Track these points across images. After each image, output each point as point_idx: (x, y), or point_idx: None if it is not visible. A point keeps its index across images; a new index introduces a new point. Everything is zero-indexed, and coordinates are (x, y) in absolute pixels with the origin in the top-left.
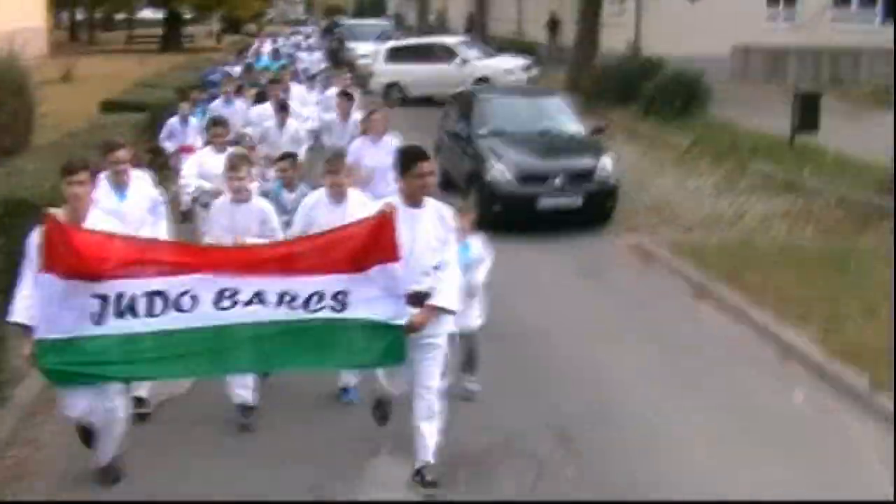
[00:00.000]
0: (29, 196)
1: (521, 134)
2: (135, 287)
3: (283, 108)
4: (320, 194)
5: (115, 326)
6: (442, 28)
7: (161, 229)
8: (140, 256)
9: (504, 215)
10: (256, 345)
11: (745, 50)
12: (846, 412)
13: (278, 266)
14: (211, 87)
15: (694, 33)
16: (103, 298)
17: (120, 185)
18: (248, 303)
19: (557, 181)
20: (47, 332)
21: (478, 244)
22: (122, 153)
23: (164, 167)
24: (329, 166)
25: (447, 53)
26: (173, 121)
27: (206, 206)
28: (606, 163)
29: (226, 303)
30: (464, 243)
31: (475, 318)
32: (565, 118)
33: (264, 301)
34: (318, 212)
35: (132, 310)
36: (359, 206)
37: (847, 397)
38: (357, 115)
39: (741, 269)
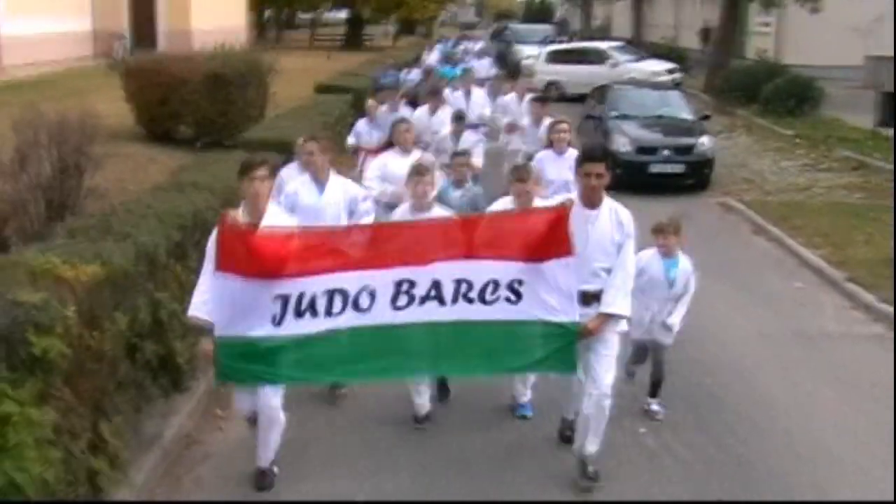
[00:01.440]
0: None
1: (641, 117)
2: (315, 285)
3: (458, 119)
4: (507, 202)
5: (294, 326)
6: (605, 34)
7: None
8: (318, 249)
9: (624, 178)
10: (432, 349)
11: (877, 59)
12: (824, 293)
13: (456, 250)
14: (383, 90)
15: (832, 44)
16: (284, 299)
17: (319, 181)
18: (425, 298)
19: (665, 152)
20: (225, 330)
21: (687, 264)
22: (313, 145)
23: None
24: (517, 174)
25: (600, 56)
26: (362, 124)
27: (389, 208)
28: (705, 140)
29: (402, 300)
30: (672, 259)
31: (668, 333)
32: (679, 107)
33: (441, 294)
34: None
35: (312, 308)
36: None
37: (829, 285)
38: (548, 120)
39: (791, 217)
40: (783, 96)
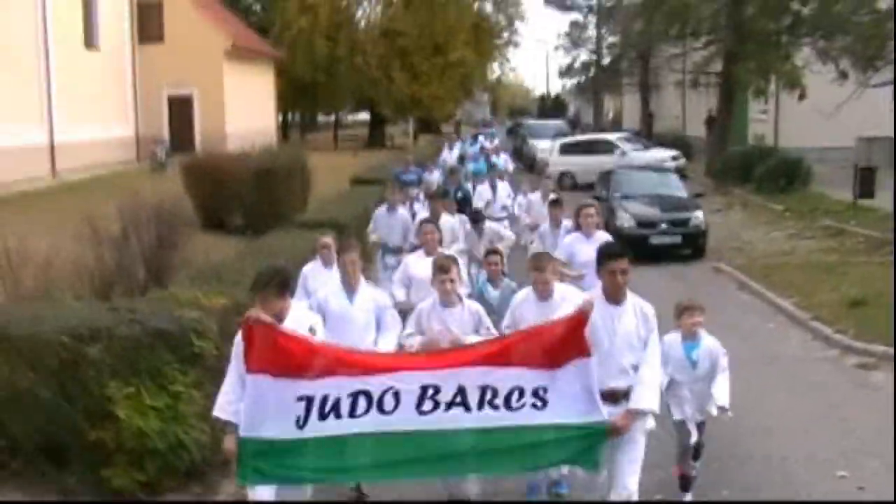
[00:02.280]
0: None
1: (641, 196)
2: (339, 387)
3: (476, 221)
4: (527, 292)
5: (318, 429)
6: (616, 125)
7: (389, 340)
8: (344, 358)
9: (628, 249)
10: (458, 452)
11: (868, 140)
12: (792, 330)
13: (481, 359)
14: (404, 186)
15: (825, 127)
16: (308, 400)
17: (350, 287)
18: (451, 404)
19: (663, 226)
20: (250, 430)
21: (712, 343)
22: (354, 254)
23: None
24: (534, 263)
25: (609, 147)
26: (380, 211)
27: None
28: (698, 214)
29: (427, 404)
30: (693, 341)
31: (700, 411)
32: (675, 187)
33: (466, 400)
34: (524, 309)
35: (336, 411)
36: (566, 302)
37: (797, 325)
38: (567, 222)
39: (771, 275)
40: (774, 176)
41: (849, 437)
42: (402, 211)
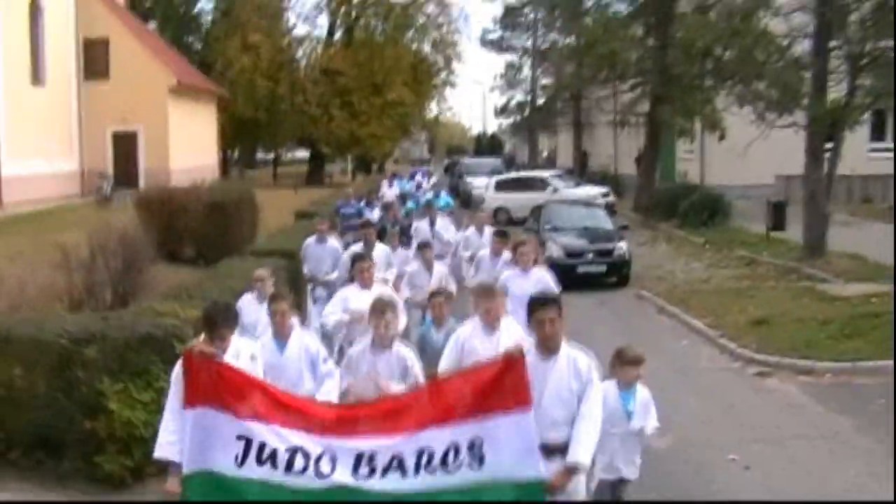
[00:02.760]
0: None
1: (570, 228)
2: (277, 438)
3: (424, 247)
4: (473, 324)
5: (256, 471)
6: (552, 163)
7: (328, 392)
8: (280, 405)
9: (557, 278)
10: None
11: (787, 178)
12: (703, 346)
13: (416, 419)
14: (344, 220)
15: (749, 166)
16: (247, 442)
17: (282, 336)
18: (387, 469)
19: (590, 255)
20: (193, 464)
21: (645, 393)
22: (284, 305)
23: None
24: (482, 292)
25: (542, 184)
26: (310, 241)
27: (349, 343)
28: (622, 245)
29: (364, 470)
30: (629, 390)
31: (633, 469)
32: (601, 219)
33: (403, 466)
34: (473, 341)
35: (273, 461)
36: (510, 336)
37: (707, 342)
38: (506, 253)
39: (687, 300)
40: (697, 211)
41: (741, 428)
42: (332, 241)
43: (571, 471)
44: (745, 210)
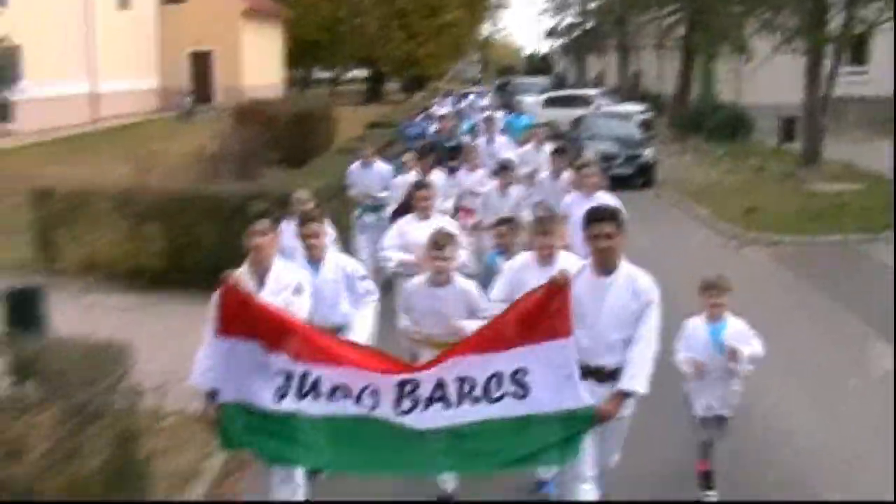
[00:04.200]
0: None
1: (604, 136)
2: (318, 370)
3: (503, 169)
4: (526, 256)
5: (297, 405)
6: (600, 84)
7: (365, 320)
8: (319, 347)
9: None
10: (439, 451)
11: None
12: (699, 228)
13: (454, 350)
14: (409, 141)
15: (781, 86)
16: (287, 375)
17: (314, 261)
18: (430, 400)
19: (620, 160)
20: (230, 395)
21: (739, 325)
22: (315, 226)
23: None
24: (539, 227)
25: (586, 101)
26: (355, 167)
27: (409, 277)
28: (649, 151)
29: (406, 403)
30: (719, 323)
31: (730, 407)
32: (633, 130)
33: (446, 395)
34: (525, 274)
35: (315, 391)
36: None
37: (706, 227)
38: (567, 173)
39: (699, 196)
40: (722, 126)
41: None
42: (380, 164)
43: (622, 397)
44: (768, 127)
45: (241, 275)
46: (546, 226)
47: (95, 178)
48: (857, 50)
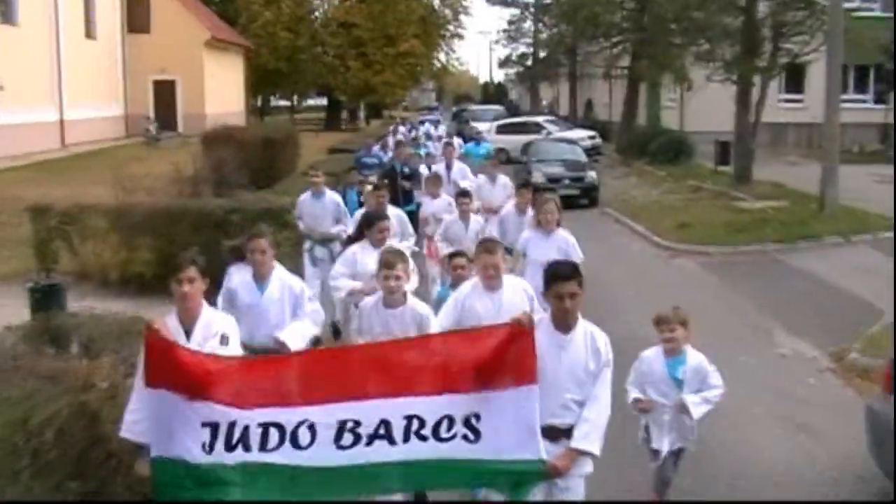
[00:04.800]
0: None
1: (551, 159)
2: (247, 417)
3: (462, 196)
4: (472, 283)
5: (229, 457)
6: (552, 112)
7: (302, 328)
8: (252, 376)
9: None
10: (380, 480)
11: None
12: (637, 242)
13: (403, 382)
14: (364, 169)
15: (720, 114)
16: (214, 427)
17: (260, 278)
18: (373, 437)
19: (566, 181)
20: (160, 449)
21: (697, 361)
22: (264, 242)
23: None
24: (483, 245)
25: (537, 127)
26: (304, 197)
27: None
28: (592, 174)
29: (347, 438)
30: (677, 357)
31: (687, 438)
32: (577, 154)
33: (390, 432)
34: (472, 301)
35: (244, 443)
36: (516, 296)
37: (642, 238)
38: (531, 211)
39: (637, 213)
40: (664, 150)
41: (647, 282)
42: (330, 194)
43: (576, 454)
44: (708, 151)
45: (166, 323)
46: (489, 245)
47: (79, 198)
48: (794, 79)
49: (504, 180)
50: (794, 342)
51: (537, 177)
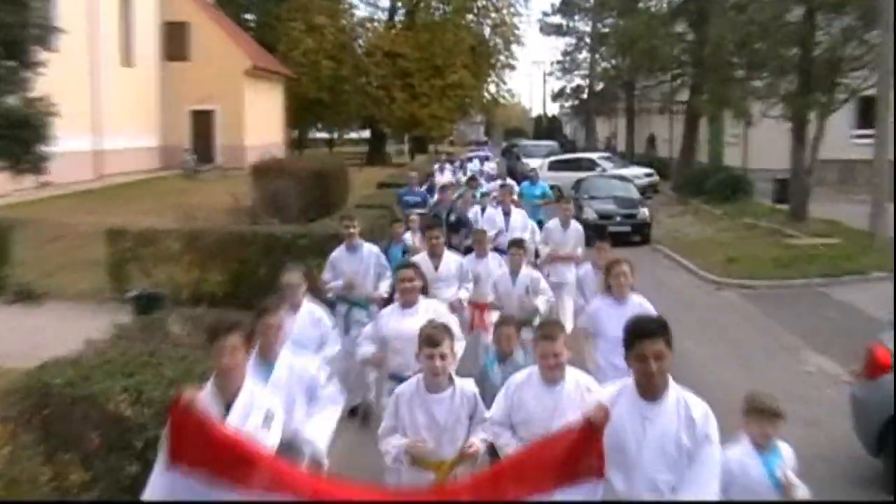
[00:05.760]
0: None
1: (603, 196)
2: (286, 498)
3: (517, 245)
4: (528, 372)
5: None
6: (609, 147)
7: (323, 421)
8: (290, 477)
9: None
10: None
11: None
12: (684, 275)
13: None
14: (407, 208)
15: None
16: None
17: (266, 360)
18: None
19: (618, 218)
20: None
21: (788, 451)
22: (273, 319)
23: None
24: (542, 330)
25: (591, 164)
26: (338, 253)
27: (395, 379)
28: (644, 211)
29: None
30: (771, 452)
31: None
32: (630, 190)
33: None
34: (525, 394)
35: None
36: (579, 393)
37: (690, 274)
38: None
39: (688, 249)
40: (722, 188)
41: (689, 313)
42: (368, 246)
43: None
44: (769, 189)
45: (201, 395)
46: (548, 330)
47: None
48: (866, 115)
49: (576, 225)
50: (819, 360)
51: (588, 213)
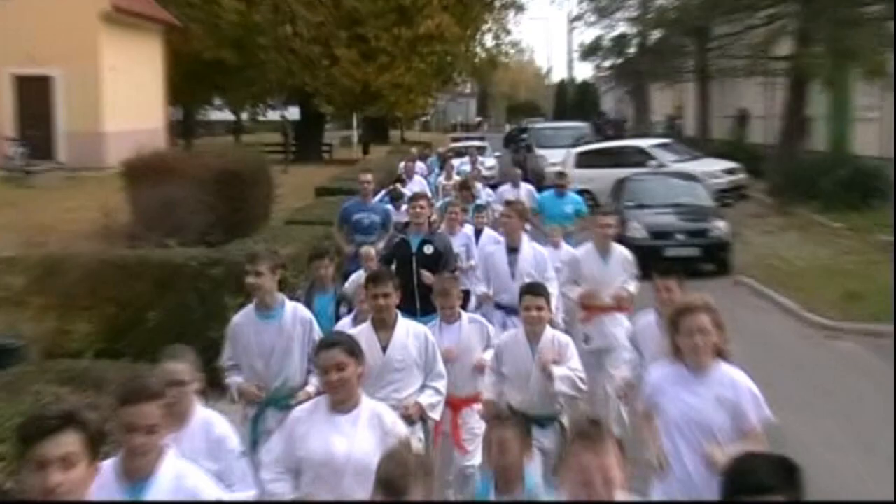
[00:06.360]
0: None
1: (657, 204)
2: None
3: (532, 293)
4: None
5: None
6: (671, 129)
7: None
8: None
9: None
10: None
11: None
12: (782, 320)
13: None
14: (357, 233)
15: None
16: None
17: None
18: None
19: (680, 237)
20: None
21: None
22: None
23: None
24: (581, 437)
25: (642, 156)
26: (240, 320)
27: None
28: (721, 224)
29: None
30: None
31: None
32: (699, 194)
33: None
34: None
35: None
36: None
37: (790, 318)
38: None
39: (787, 282)
40: (845, 189)
41: (786, 376)
42: (293, 306)
43: None
44: None
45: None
46: (592, 433)
47: None
48: None
49: (622, 251)
50: None
51: (635, 231)
